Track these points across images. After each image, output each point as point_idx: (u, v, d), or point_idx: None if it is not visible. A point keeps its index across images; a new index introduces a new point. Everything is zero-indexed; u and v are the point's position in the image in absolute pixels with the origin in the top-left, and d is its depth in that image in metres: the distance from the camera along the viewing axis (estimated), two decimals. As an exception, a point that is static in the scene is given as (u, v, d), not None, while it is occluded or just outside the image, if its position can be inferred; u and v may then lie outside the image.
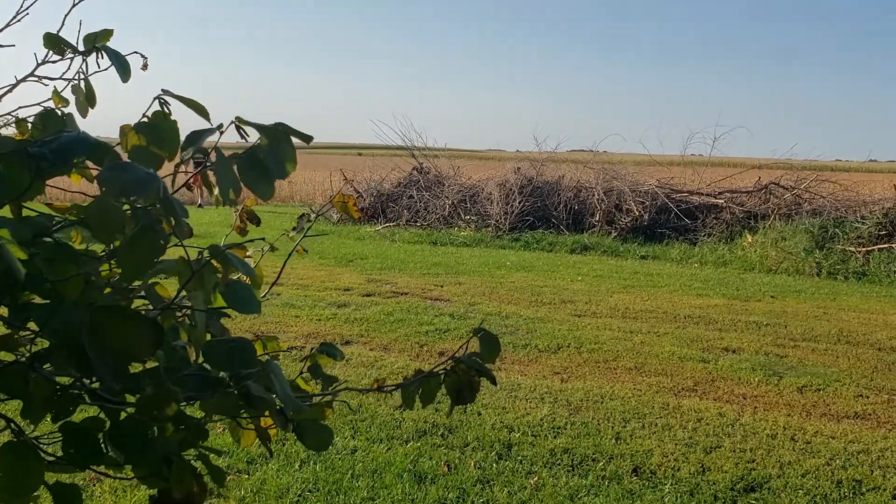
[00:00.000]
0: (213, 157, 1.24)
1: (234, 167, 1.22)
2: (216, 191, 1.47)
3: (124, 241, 1.09)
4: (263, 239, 1.71)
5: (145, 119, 1.30)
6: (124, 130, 1.30)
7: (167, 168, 1.34)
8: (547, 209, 14.87)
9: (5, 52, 1.73)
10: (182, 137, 1.26)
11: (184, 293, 1.25)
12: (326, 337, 6.38)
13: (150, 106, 1.33)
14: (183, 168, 1.32)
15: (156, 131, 1.30)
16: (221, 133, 1.27)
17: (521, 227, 14.42)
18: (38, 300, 1.32)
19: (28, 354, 1.28)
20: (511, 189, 14.94)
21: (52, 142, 1.22)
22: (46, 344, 1.33)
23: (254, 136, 1.24)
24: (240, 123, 1.22)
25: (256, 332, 6.27)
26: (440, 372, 1.38)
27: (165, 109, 1.35)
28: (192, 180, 1.49)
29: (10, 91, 1.70)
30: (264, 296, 2.04)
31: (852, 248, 11.27)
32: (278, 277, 1.79)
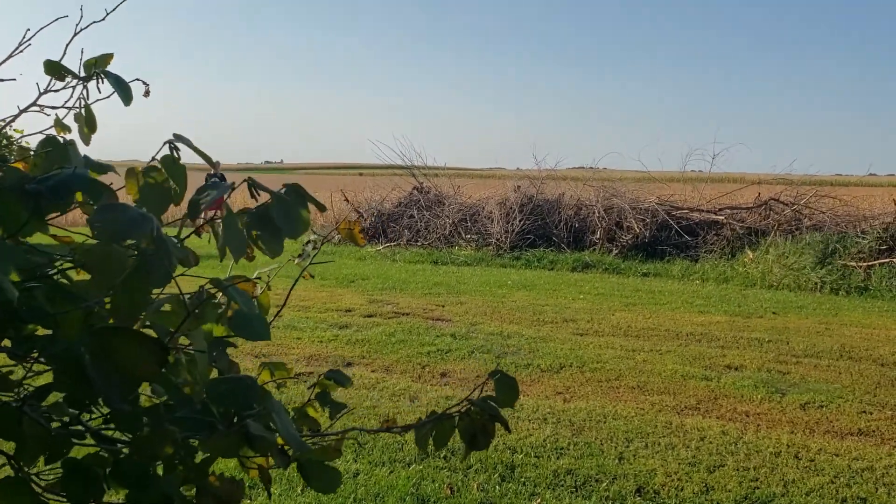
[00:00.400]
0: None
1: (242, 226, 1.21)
2: (220, 241, 1.48)
3: (118, 281, 1.10)
4: (276, 267, 1.72)
5: (155, 162, 1.31)
6: (133, 172, 1.31)
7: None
8: (547, 227, 14.89)
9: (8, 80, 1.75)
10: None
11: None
12: (328, 359, 6.38)
13: (160, 150, 1.34)
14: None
15: (164, 176, 1.30)
16: (232, 190, 1.27)
17: (522, 246, 14.43)
18: (42, 331, 1.33)
19: (25, 393, 1.29)
20: (511, 207, 14.97)
21: (49, 178, 1.23)
22: (44, 380, 1.34)
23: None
24: (253, 185, 1.23)
25: (258, 353, 6.28)
26: (454, 414, 1.35)
27: (175, 154, 1.36)
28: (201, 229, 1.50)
29: (13, 121, 1.71)
30: (271, 321, 2.04)
31: (853, 264, 11.26)
32: (284, 304, 1.79)
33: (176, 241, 1.33)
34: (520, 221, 14.62)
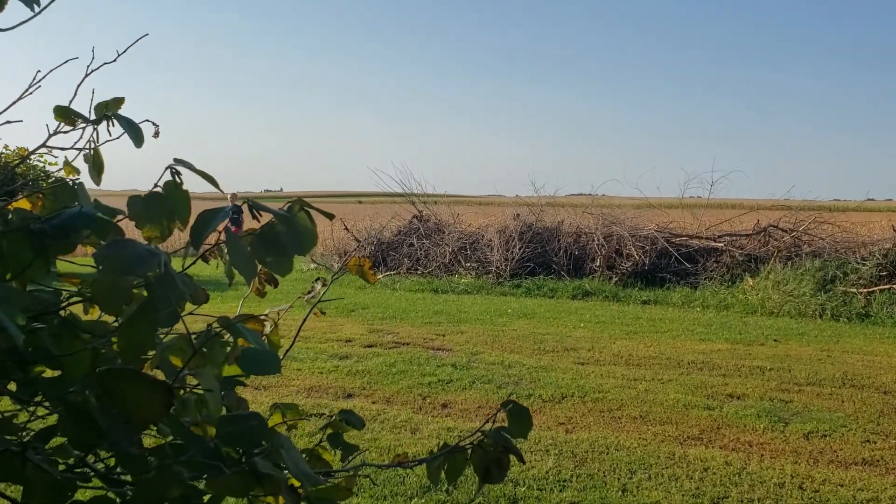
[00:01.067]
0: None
1: (249, 248, 1.21)
2: (227, 265, 1.48)
3: (124, 320, 1.10)
4: (286, 307, 1.72)
5: (157, 188, 1.32)
6: (137, 200, 1.31)
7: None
8: (547, 255, 14.90)
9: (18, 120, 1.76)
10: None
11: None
12: (329, 390, 6.35)
13: (162, 175, 1.35)
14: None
15: (168, 201, 1.31)
16: (238, 213, 1.28)
17: (522, 274, 14.43)
18: (48, 373, 1.33)
19: (28, 437, 1.28)
20: (511, 235, 14.99)
21: (54, 218, 1.23)
22: (51, 420, 1.34)
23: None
24: (254, 206, 1.23)
25: (258, 385, 6.25)
26: (467, 447, 1.34)
27: (177, 179, 1.36)
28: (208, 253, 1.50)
29: (21, 162, 1.72)
30: (281, 358, 2.04)
31: (854, 290, 11.26)
32: (294, 341, 1.79)
33: (182, 273, 1.33)
34: (519, 249, 14.63)
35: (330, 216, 1.34)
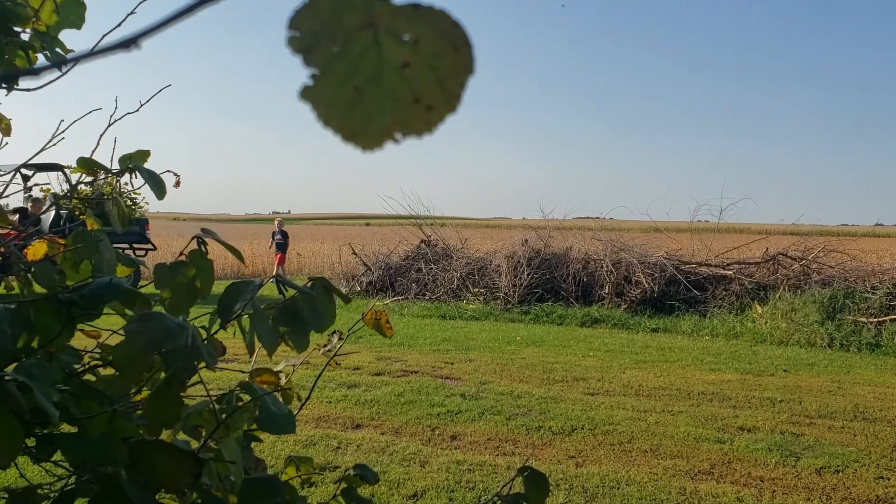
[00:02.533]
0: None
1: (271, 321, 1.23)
2: (247, 336, 1.49)
3: (151, 393, 1.11)
4: (299, 362, 1.72)
5: (182, 258, 1.33)
6: (163, 269, 1.32)
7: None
8: (555, 281, 14.89)
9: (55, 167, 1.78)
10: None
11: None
12: (337, 421, 6.33)
13: (188, 245, 1.36)
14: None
15: (192, 272, 1.32)
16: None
17: (530, 300, 14.42)
18: (65, 428, 1.33)
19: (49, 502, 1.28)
20: (519, 261, 14.98)
21: (82, 288, 1.25)
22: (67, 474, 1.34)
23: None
24: (280, 282, 1.25)
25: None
26: (484, 512, 1.34)
27: (203, 248, 1.38)
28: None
29: (45, 212, 1.74)
30: (296, 413, 2.04)
31: (863, 319, 11.21)
32: (307, 399, 1.79)
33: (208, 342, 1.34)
34: (528, 275, 14.62)
35: (347, 300, 1.35)
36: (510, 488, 1.35)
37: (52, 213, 15.63)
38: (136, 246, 16.62)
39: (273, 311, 1.19)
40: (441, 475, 5.03)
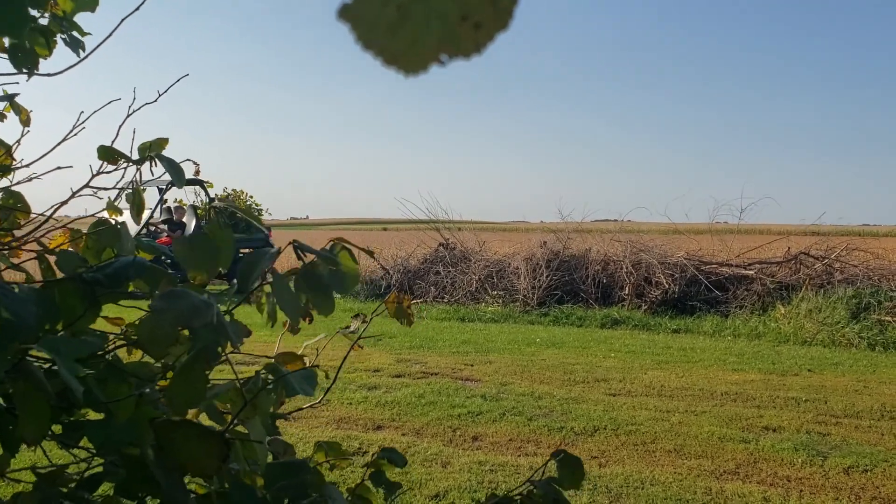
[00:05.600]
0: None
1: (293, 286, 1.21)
2: (266, 308, 1.47)
3: (175, 372, 1.09)
4: (323, 336, 1.70)
5: (172, 217, 1.31)
6: (181, 242, 1.30)
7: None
8: (575, 283, 14.80)
9: (60, 158, 1.77)
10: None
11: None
12: (358, 422, 6.32)
13: (207, 215, 1.35)
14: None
15: (213, 244, 1.30)
16: (279, 254, 1.27)
17: (550, 302, 14.34)
18: (92, 415, 1.32)
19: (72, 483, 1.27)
20: (538, 263, 14.91)
21: (106, 267, 1.23)
22: (95, 462, 1.33)
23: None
24: (298, 247, 1.23)
25: (291, 416, 6.22)
26: (515, 497, 1.31)
27: (220, 220, 1.36)
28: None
29: (65, 203, 1.73)
30: (319, 400, 2.02)
31: (889, 318, 11.06)
32: (335, 381, 1.77)
33: (234, 320, 1.32)
34: (547, 277, 14.55)
35: (371, 253, 1.32)
36: (542, 473, 1.31)
37: (194, 221, 16.53)
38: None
39: (293, 277, 1.16)
40: (463, 475, 5.00)
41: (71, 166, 1.58)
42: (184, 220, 16.77)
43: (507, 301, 14.70)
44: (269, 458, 1.37)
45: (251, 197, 19.35)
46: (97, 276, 1.12)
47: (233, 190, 19.24)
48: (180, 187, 1.58)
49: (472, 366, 8.88)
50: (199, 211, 17.01)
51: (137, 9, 1.58)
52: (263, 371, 1.24)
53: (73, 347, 1.03)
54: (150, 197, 18.07)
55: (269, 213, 20.14)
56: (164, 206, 16.97)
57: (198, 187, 18.02)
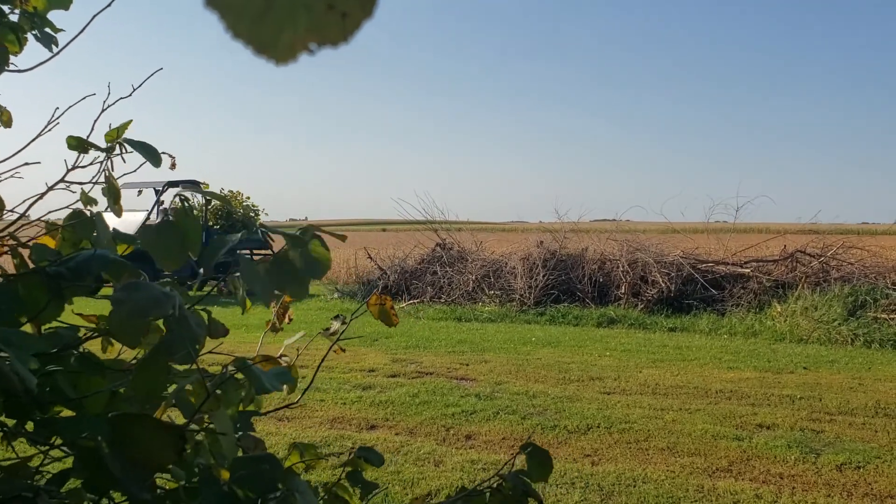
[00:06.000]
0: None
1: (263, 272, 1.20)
2: (241, 292, 1.47)
3: (138, 364, 1.09)
4: (301, 336, 1.70)
5: (168, 217, 1.31)
6: (146, 230, 1.30)
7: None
8: (571, 282, 14.80)
9: (36, 156, 1.77)
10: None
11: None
12: (352, 422, 6.31)
13: (171, 200, 1.34)
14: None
15: (178, 230, 1.29)
16: (243, 238, 1.26)
17: (546, 301, 14.34)
18: (67, 412, 1.31)
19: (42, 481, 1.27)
20: (535, 263, 14.92)
21: (69, 260, 1.23)
22: (68, 463, 1.32)
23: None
24: (265, 229, 1.22)
25: (282, 417, 6.23)
26: (485, 490, 1.31)
27: (186, 205, 1.35)
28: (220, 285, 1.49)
29: (40, 198, 1.73)
30: (297, 401, 2.02)
31: (885, 316, 11.06)
32: (314, 379, 1.76)
33: (196, 313, 1.32)
34: (543, 276, 14.55)
35: (342, 238, 1.32)
36: (512, 466, 1.31)
37: None
38: (256, 252, 16.71)
39: (264, 264, 1.15)
40: (455, 474, 5.00)
41: (39, 162, 1.58)
42: None
43: (503, 301, 14.70)
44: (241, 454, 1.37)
45: (248, 198, 19.35)
46: (60, 269, 1.11)
47: (229, 191, 19.25)
48: (157, 166, 1.56)
49: (467, 365, 8.88)
50: (195, 211, 16.94)
51: (109, 5, 1.58)
52: (231, 365, 1.23)
53: (30, 341, 1.03)
54: (147, 198, 18.06)
55: (267, 214, 20.11)
56: (160, 208, 16.94)
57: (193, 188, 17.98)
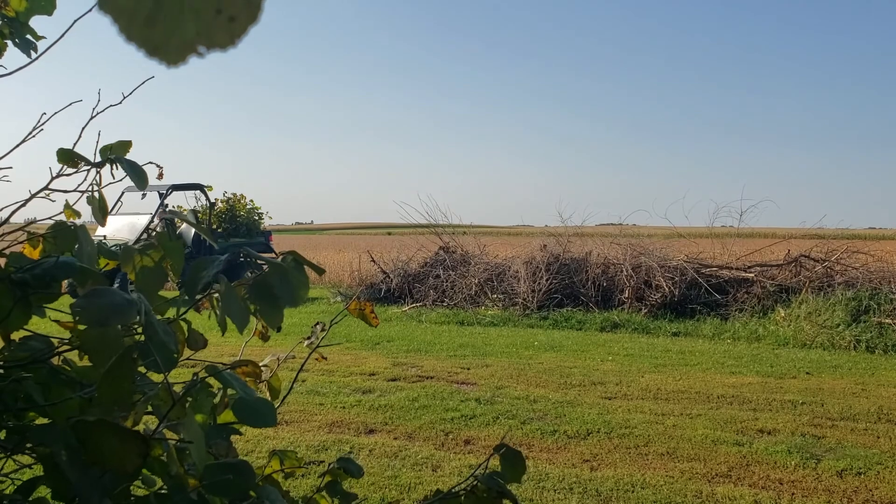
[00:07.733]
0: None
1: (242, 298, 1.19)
2: (219, 313, 1.45)
3: (103, 371, 1.07)
4: (286, 355, 1.68)
5: (151, 240, 1.30)
6: (129, 253, 1.29)
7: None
8: (575, 286, 14.77)
9: (20, 162, 1.76)
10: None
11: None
12: (351, 426, 6.30)
13: (156, 227, 1.33)
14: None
15: (160, 254, 1.29)
16: (225, 260, 1.25)
17: (549, 305, 14.31)
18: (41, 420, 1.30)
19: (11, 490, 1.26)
20: (538, 267, 14.89)
21: (35, 267, 1.22)
22: (38, 471, 1.31)
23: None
24: (246, 256, 1.21)
25: (280, 421, 6.21)
26: (460, 492, 1.30)
27: (170, 231, 1.34)
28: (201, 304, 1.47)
29: (23, 206, 1.72)
30: (277, 406, 1.99)
31: (889, 321, 11.00)
32: (288, 392, 1.75)
33: (175, 321, 1.31)
34: (546, 280, 14.52)
35: (320, 271, 1.31)
36: (486, 468, 1.31)
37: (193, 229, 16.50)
38: (259, 256, 16.88)
39: (245, 287, 1.15)
40: (453, 479, 4.98)
41: (10, 167, 1.57)
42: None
43: (506, 304, 14.67)
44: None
45: (251, 201, 19.38)
46: (25, 276, 1.10)
47: (233, 194, 19.28)
48: (141, 189, 1.56)
49: (468, 369, 8.86)
50: (199, 215, 17.03)
51: (90, 10, 1.57)
52: (202, 371, 1.22)
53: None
54: (151, 202, 18.10)
55: (271, 218, 20.13)
56: (163, 212, 16.91)
57: (197, 191, 18.06)
